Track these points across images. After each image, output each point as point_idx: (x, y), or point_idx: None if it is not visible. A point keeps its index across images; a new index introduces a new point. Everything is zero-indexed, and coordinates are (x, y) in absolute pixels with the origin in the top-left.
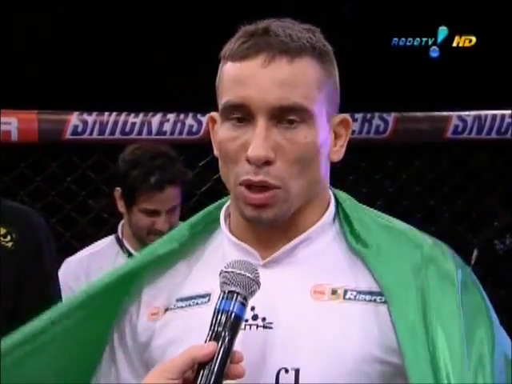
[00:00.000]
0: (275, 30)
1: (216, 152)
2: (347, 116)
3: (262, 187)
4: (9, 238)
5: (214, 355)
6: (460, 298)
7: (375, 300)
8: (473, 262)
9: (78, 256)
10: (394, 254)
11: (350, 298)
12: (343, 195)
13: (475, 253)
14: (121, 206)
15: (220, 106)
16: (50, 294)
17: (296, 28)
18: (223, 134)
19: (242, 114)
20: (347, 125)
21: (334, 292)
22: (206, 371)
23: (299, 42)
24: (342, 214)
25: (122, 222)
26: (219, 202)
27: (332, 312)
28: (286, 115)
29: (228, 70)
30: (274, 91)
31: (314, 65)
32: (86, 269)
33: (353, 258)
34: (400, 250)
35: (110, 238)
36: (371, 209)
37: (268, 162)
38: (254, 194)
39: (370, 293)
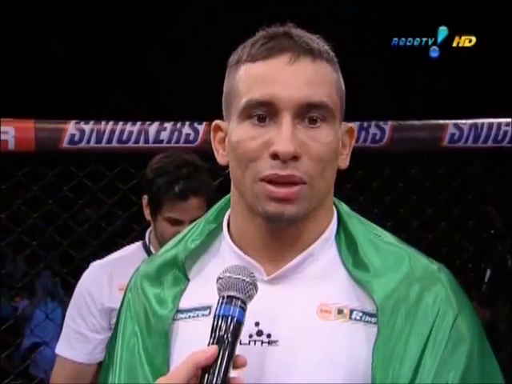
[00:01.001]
0: (295, 33)
1: (220, 159)
2: (353, 126)
3: (288, 183)
4: None
5: (217, 359)
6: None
7: (375, 322)
8: (486, 279)
9: (102, 260)
10: (394, 293)
11: (356, 319)
12: (346, 209)
13: (488, 272)
14: (147, 214)
15: (240, 106)
16: None
17: (309, 34)
18: (241, 133)
19: (265, 111)
20: (352, 134)
21: (340, 312)
22: (210, 376)
23: (318, 45)
24: (343, 229)
25: (149, 229)
26: (219, 205)
27: (338, 332)
28: (310, 113)
29: (248, 70)
30: (301, 88)
31: (330, 69)
32: (109, 273)
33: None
34: (399, 284)
35: (137, 245)
36: (368, 222)
37: (295, 158)
38: (279, 188)
39: (372, 314)
